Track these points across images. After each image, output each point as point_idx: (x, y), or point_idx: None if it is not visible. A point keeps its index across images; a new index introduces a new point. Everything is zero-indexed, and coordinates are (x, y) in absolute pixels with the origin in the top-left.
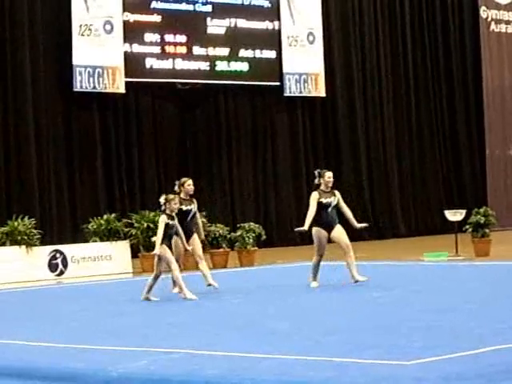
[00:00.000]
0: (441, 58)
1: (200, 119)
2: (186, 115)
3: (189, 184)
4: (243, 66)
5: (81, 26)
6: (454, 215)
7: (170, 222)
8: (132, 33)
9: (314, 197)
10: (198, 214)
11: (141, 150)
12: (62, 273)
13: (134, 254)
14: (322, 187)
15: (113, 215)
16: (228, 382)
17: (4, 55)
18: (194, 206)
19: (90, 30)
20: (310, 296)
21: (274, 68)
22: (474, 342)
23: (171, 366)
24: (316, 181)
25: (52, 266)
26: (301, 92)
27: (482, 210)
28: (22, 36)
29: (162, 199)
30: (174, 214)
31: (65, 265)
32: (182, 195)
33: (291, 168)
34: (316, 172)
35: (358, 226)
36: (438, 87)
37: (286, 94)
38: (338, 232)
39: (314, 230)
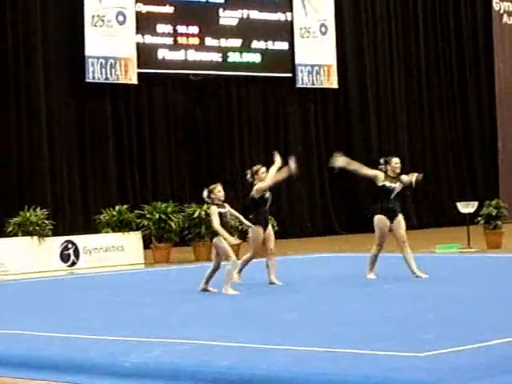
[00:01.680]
0: (453, 51)
1: (212, 110)
2: (198, 106)
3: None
4: (255, 58)
5: (93, 16)
6: (466, 207)
7: (222, 211)
8: (144, 24)
9: (380, 175)
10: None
11: (153, 141)
12: (73, 263)
13: (146, 245)
14: (390, 173)
15: (125, 206)
16: (240, 373)
17: (17, 46)
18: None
19: (102, 20)
20: (321, 287)
21: (287, 59)
22: (485, 334)
23: (183, 356)
24: (383, 169)
25: (64, 257)
26: (313, 83)
27: (493, 202)
28: (35, 27)
29: (204, 193)
30: (223, 202)
31: (77, 255)
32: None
33: (303, 159)
34: (382, 160)
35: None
36: (450, 79)
37: (298, 86)
38: (398, 223)
39: (377, 218)
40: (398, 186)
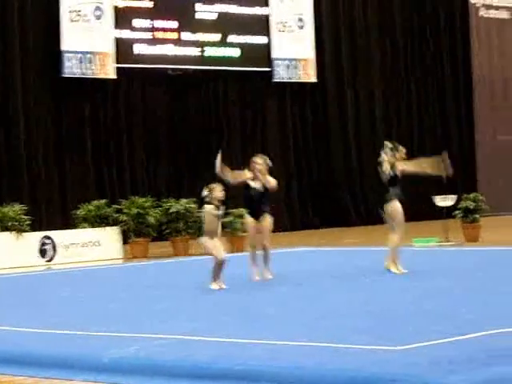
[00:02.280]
0: (430, 44)
1: (190, 105)
2: (176, 101)
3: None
4: (233, 52)
5: (70, 11)
6: (444, 201)
7: (215, 212)
8: (122, 18)
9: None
10: None
11: (130, 136)
12: (51, 258)
13: (124, 239)
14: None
15: (102, 201)
16: (218, 368)
17: None
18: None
19: (79, 15)
20: (300, 281)
21: (264, 54)
22: (464, 327)
23: (161, 351)
24: (387, 153)
25: (42, 252)
26: (290, 78)
27: (471, 196)
28: (12, 22)
29: (204, 192)
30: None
31: (55, 251)
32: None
33: (281, 152)
34: (389, 145)
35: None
36: (427, 73)
37: (275, 80)
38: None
39: (392, 204)
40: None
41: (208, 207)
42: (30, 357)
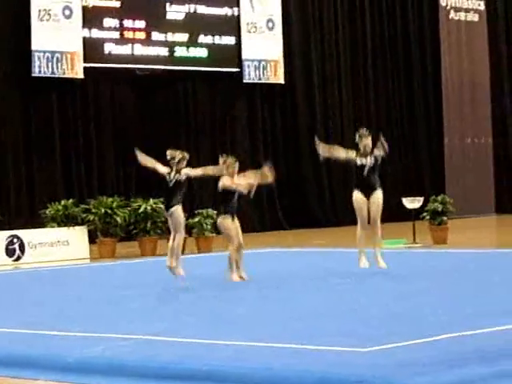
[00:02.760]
0: (400, 46)
1: (159, 105)
2: (144, 101)
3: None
4: (202, 52)
5: (40, 10)
6: (412, 203)
7: (168, 176)
8: (91, 18)
9: (352, 156)
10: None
11: (99, 136)
12: (19, 258)
13: (92, 239)
14: (361, 150)
15: (70, 201)
16: (185, 369)
17: None
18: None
19: (49, 14)
20: (269, 283)
21: (233, 54)
22: (431, 329)
23: (128, 351)
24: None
25: (9, 252)
26: (260, 78)
27: (439, 198)
28: None
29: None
30: (182, 171)
31: (22, 250)
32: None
33: (250, 154)
34: (357, 135)
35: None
36: (396, 75)
37: (245, 81)
38: (373, 199)
39: (353, 196)
40: (369, 161)
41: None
42: None
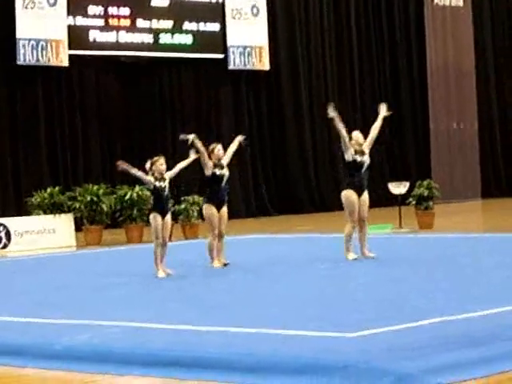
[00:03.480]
0: (385, 32)
1: (144, 92)
2: (129, 88)
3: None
4: (187, 39)
5: None
6: (398, 187)
7: (158, 184)
8: (75, 5)
9: (351, 149)
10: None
11: (84, 124)
12: (5, 246)
13: (78, 227)
14: (356, 147)
15: (56, 188)
16: (173, 355)
17: None
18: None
19: (33, 2)
20: (255, 269)
21: (218, 41)
22: (418, 314)
23: (115, 339)
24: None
25: None
26: (245, 65)
27: (425, 183)
28: None
29: (147, 164)
30: (165, 176)
31: (8, 238)
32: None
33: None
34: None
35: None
36: (382, 61)
37: (230, 67)
38: (363, 199)
39: (344, 194)
40: (367, 160)
41: (150, 178)
42: None
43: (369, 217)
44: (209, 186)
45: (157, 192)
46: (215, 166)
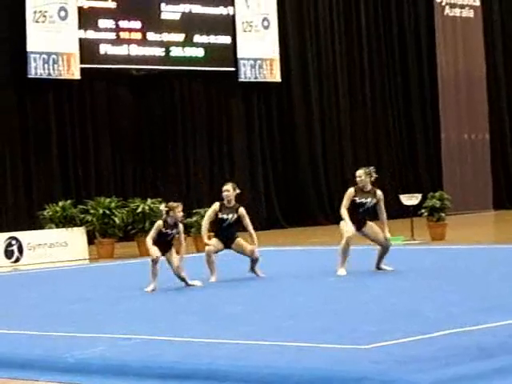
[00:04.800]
0: (395, 43)
1: (155, 105)
2: (141, 101)
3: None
4: (198, 52)
5: (35, 12)
6: (410, 199)
7: (164, 231)
8: (87, 19)
9: (350, 195)
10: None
11: (96, 137)
12: (17, 260)
13: (90, 240)
14: (361, 187)
15: (68, 202)
16: (185, 368)
17: None
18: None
19: (44, 16)
20: (266, 281)
21: (229, 53)
22: (429, 326)
23: (128, 351)
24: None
25: (8, 253)
26: (256, 77)
27: (437, 194)
28: None
29: (162, 207)
30: (179, 225)
31: (21, 252)
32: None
33: (247, 154)
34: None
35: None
36: (392, 72)
37: (241, 80)
38: (370, 229)
39: (342, 223)
40: (369, 201)
41: (158, 223)
42: None
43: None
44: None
45: (161, 235)
46: (221, 209)
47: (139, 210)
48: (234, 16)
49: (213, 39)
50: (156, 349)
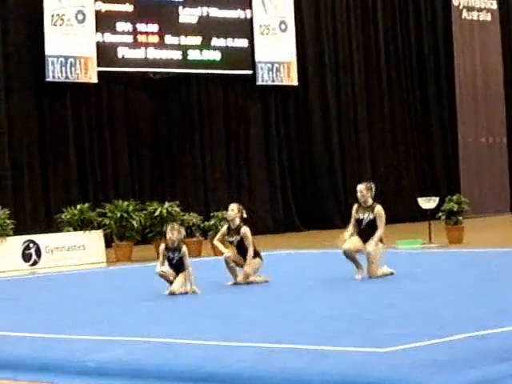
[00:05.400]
0: (413, 46)
1: (173, 108)
2: (158, 105)
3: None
4: (215, 55)
5: (53, 15)
6: (427, 202)
7: (166, 253)
8: (104, 22)
9: (353, 212)
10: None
11: (113, 140)
12: (35, 263)
13: (108, 243)
14: (361, 203)
15: (86, 205)
16: (204, 371)
17: None
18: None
19: (62, 19)
20: (284, 284)
21: (247, 57)
22: (448, 329)
23: (147, 354)
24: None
25: (26, 256)
26: (273, 81)
27: (454, 198)
28: None
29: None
30: (177, 246)
31: (38, 255)
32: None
33: (264, 157)
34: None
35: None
36: (410, 75)
37: (258, 83)
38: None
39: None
40: (366, 217)
41: (162, 246)
42: (15, 361)
43: (396, 232)
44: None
45: (168, 260)
46: (229, 231)
47: (157, 213)
48: (251, 19)
49: (230, 42)
50: (175, 352)
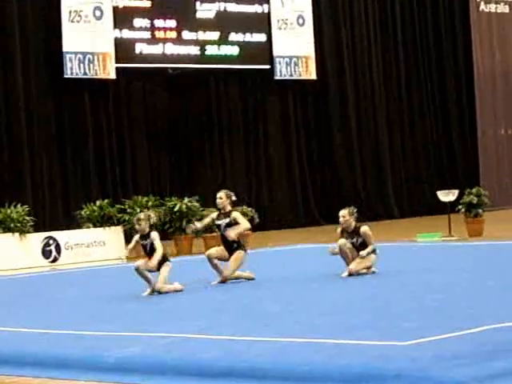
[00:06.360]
0: (431, 39)
1: (191, 104)
2: (176, 100)
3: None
4: (233, 50)
5: (70, 12)
6: (447, 196)
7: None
8: (122, 18)
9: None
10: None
11: (132, 136)
12: (55, 259)
13: (128, 239)
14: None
15: (105, 201)
16: (224, 366)
17: None
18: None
19: (79, 16)
20: (302, 278)
21: (265, 51)
22: (468, 322)
23: (166, 350)
24: None
25: (46, 253)
26: (291, 75)
27: (474, 190)
28: (12, 24)
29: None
30: (151, 235)
31: (58, 251)
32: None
33: (283, 151)
34: None
35: None
36: (428, 69)
37: (276, 78)
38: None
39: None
40: (355, 242)
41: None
42: (35, 357)
43: (416, 226)
44: None
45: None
46: (219, 215)
47: (176, 208)
48: (269, 13)
49: (248, 37)
50: (194, 347)
